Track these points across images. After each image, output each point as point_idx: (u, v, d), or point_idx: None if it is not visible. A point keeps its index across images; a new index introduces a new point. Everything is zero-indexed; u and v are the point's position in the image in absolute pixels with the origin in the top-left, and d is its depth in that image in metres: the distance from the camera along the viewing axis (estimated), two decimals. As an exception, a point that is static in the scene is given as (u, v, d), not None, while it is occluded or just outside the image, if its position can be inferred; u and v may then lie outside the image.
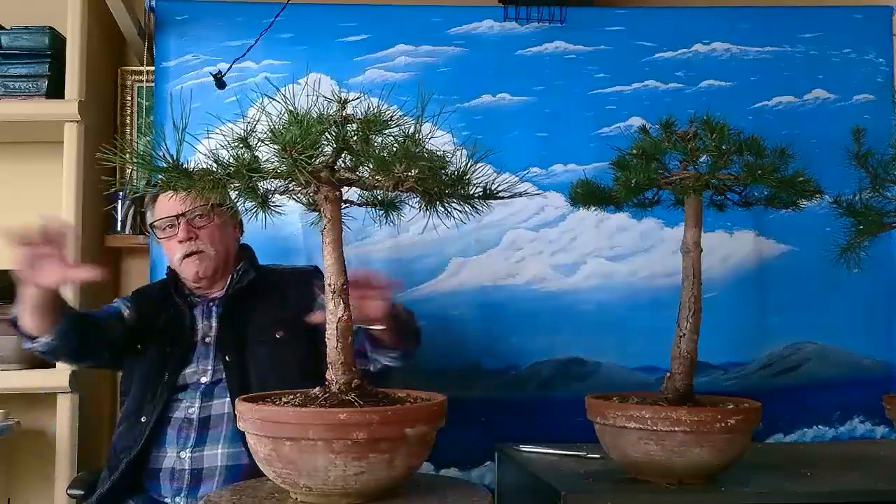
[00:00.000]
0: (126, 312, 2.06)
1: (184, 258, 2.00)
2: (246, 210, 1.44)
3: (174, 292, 2.06)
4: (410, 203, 1.50)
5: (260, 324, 2.01)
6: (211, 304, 2.04)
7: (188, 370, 1.98)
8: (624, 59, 2.61)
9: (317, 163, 1.37)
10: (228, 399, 1.92)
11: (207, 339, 2.00)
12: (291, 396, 1.51)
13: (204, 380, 1.96)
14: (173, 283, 2.07)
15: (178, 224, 2.00)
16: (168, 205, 2.00)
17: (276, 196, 1.46)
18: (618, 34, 2.62)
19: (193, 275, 2.01)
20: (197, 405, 1.94)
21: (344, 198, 1.47)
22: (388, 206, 1.54)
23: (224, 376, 1.95)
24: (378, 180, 1.38)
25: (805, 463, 1.97)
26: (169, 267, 2.10)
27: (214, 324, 2.02)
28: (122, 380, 2.10)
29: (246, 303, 2.03)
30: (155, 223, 2.04)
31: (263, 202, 1.44)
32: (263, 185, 1.42)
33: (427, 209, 1.45)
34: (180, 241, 2.00)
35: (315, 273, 2.13)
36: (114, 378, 2.51)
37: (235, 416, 1.86)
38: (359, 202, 1.52)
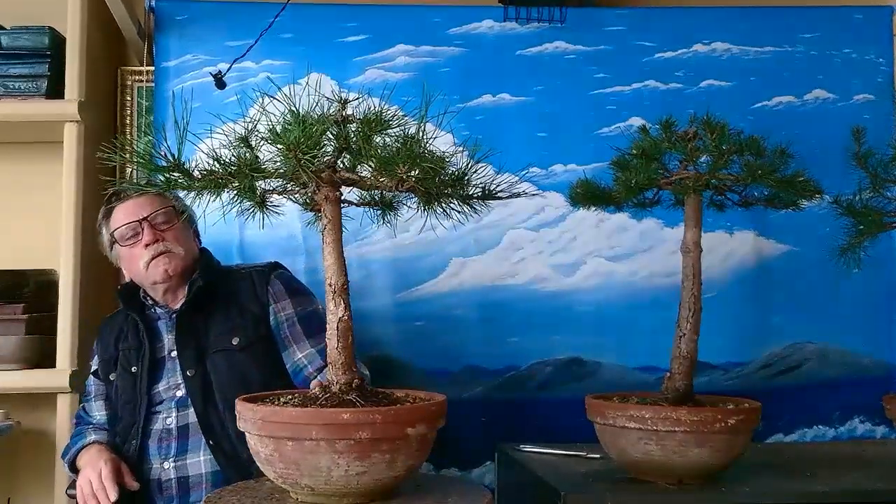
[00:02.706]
0: (100, 375, 2.08)
1: (150, 261, 1.95)
2: (242, 211, 1.44)
3: (132, 311, 2.03)
4: (408, 203, 1.49)
5: (217, 332, 1.98)
6: (174, 315, 2.00)
7: (161, 386, 1.97)
8: (624, 59, 2.61)
9: (319, 163, 1.37)
10: (192, 411, 1.92)
11: (173, 354, 1.98)
12: (290, 397, 1.51)
13: (179, 393, 1.96)
14: (131, 300, 2.04)
15: (142, 228, 1.97)
16: (126, 213, 1.98)
17: (274, 196, 1.46)
18: (618, 34, 2.62)
19: (163, 274, 1.95)
20: (174, 415, 1.94)
21: (342, 198, 1.47)
22: (386, 207, 1.54)
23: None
24: (381, 181, 1.38)
25: (805, 463, 1.98)
26: (123, 285, 2.08)
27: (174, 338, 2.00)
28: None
29: (203, 312, 1.99)
30: (116, 231, 1.99)
31: (261, 202, 1.44)
32: (261, 185, 1.42)
33: (426, 209, 1.45)
34: (146, 245, 1.95)
35: (273, 270, 2.08)
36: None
37: (203, 426, 1.90)
38: (357, 202, 1.52)
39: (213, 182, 1.36)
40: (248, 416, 1.41)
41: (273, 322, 2.01)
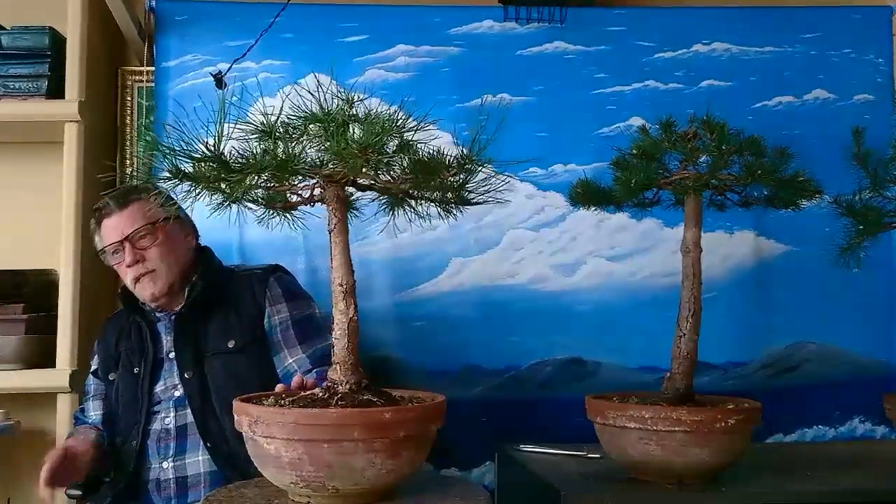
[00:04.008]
0: (99, 374, 2.08)
1: (135, 282, 1.95)
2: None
3: (134, 312, 2.04)
4: (361, 204, 1.50)
5: (214, 335, 1.97)
6: (173, 316, 2.00)
7: (159, 387, 1.98)
8: (624, 59, 2.61)
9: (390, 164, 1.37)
10: (190, 411, 1.92)
11: (171, 356, 1.98)
12: (273, 398, 1.49)
13: (177, 394, 1.96)
14: (131, 303, 2.04)
15: (124, 248, 1.95)
16: (110, 230, 1.96)
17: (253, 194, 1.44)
18: (618, 34, 2.62)
19: (150, 297, 1.96)
20: (172, 415, 1.95)
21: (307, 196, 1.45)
22: (349, 206, 1.53)
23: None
24: (402, 184, 1.37)
25: (805, 463, 1.98)
26: (123, 287, 2.06)
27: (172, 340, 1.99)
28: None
29: (202, 314, 1.98)
30: (102, 251, 1.99)
31: (239, 198, 1.42)
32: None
33: (392, 211, 1.47)
34: (128, 266, 1.94)
35: (272, 273, 2.07)
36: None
37: (200, 428, 1.90)
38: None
39: (251, 174, 1.33)
40: (274, 420, 1.36)
41: (267, 325, 2.00)
